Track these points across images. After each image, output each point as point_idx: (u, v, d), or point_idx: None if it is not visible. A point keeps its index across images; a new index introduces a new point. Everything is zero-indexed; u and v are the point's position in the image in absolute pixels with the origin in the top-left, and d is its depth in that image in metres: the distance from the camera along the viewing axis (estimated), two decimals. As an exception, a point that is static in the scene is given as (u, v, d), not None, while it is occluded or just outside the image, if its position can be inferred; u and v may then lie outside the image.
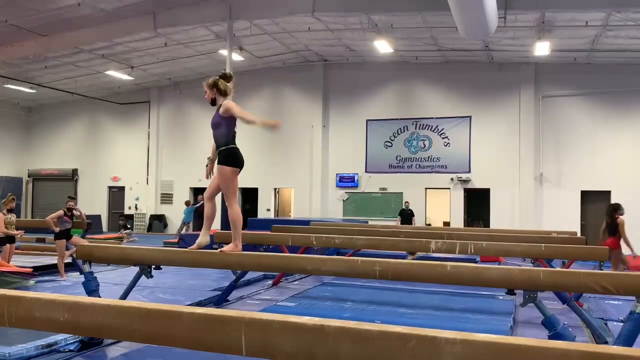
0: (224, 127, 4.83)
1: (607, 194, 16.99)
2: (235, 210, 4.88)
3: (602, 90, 17.06)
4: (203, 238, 5.06)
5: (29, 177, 25.18)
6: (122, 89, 22.50)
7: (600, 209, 17.12)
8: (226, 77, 5.02)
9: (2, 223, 8.78)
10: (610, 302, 7.76)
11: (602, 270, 6.33)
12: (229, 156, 4.81)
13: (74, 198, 9.89)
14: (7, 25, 15.49)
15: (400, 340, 2.12)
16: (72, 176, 24.18)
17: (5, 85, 20.81)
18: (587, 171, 17.10)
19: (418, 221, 18.08)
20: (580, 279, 4.21)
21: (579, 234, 13.26)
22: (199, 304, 7.15)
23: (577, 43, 15.56)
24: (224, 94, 4.92)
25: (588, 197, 17.24)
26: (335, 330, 2.22)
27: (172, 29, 15.99)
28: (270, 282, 9.17)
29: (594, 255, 6.98)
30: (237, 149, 4.90)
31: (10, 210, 9.06)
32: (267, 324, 2.35)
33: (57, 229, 9.23)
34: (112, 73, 19.96)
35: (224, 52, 16.60)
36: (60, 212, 9.29)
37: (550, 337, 4.57)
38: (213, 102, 4.99)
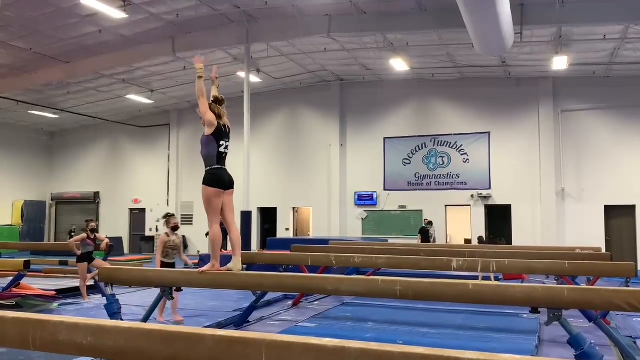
0: (204, 148, 4.89)
1: (632, 208, 16.69)
2: (214, 230, 4.89)
3: (622, 104, 16.85)
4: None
5: (52, 200, 25.61)
6: (143, 113, 22.88)
7: (624, 224, 16.86)
8: (218, 101, 5.05)
9: (161, 246, 7.40)
10: (639, 319, 7.57)
11: (628, 287, 6.19)
12: (206, 177, 4.84)
13: (92, 220, 10.01)
14: (31, 53, 15.94)
15: (422, 362, 2.09)
16: (94, 199, 24.56)
17: (30, 112, 21.33)
18: (610, 185, 16.81)
19: (438, 238, 17.93)
20: (607, 296, 4.13)
21: (603, 250, 13.00)
22: (220, 325, 7.14)
23: (596, 56, 15.44)
24: (218, 117, 4.94)
25: (612, 212, 16.92)
26: (356, 352, 2.20)
27: (191, 53, 16.23)
28: (290, 302, 9.13)
29: (620, 272, 6.83)
30: (217, 169, 4.84)
31: (174, 229, 7.64)
32: (288, 346, 2.34)
33: (78, 252, 9.32)
34: (132, 97, 20.33)
35: (241, 74, 16.82)
36: (84, 235, 9.40)
37: (577, 357, 4.47)
38: None
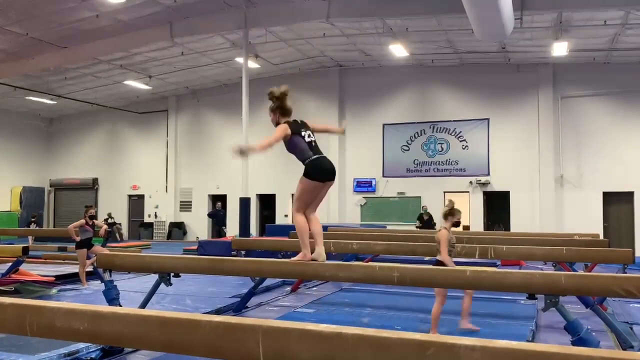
0: (292, 149, 4.65)
1: (630, 194, 16.71)
2: (296, 220, 4.64)
3: (622, 90, 16.78)
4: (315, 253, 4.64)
5: (50, 186, 25.58)
6: (141, 99, 22.78)
7: (623, 210, 16.89)
8: (286, 111, 4.74)
9: (445, 244, 5.77)
10: (636, 305, 7.61)
11: (625, 273, 6.21)
12: (306, 169, 4.58)
13: (91, 206, 9.99)
14: (28, 38, 15.80)
15: (419, 348, 2.09)
16: (92, 185, 24.53)
17: (27, 97, 21.22)
18: (609, 172, 16.81)
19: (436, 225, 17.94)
20: (604, 283, 4.13)
21: (601, 236, 13.03)
22: (218, 311, 7.17)
23: (596, 42, 15.35)
24: (284, 114, 4.71)
25: (610, 199, 16.95)
26: (353, 338, 2.20)
27: (189, 38, 16.16)
28: (289, 288, 9.16)
29: (617, 258, 6.85)
30: (315, 159, 4.57)
31: (455, 225, 6.15)
32: (285, 332, 2.34)
33: (77, 238, 9.32)
34: (130, 83, 20.22)
35: (240, 59, 16.72)
36: (82, 221, 9.39)
37: (573, 343, 4.49)
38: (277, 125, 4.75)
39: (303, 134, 4.63)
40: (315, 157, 4.58)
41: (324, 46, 17.53)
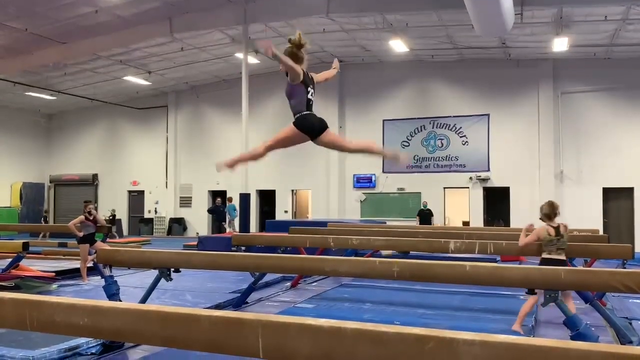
0: (293, 97, 4.65)
1: (630, 190, 16.72)
2: (257, 150, 4.83)
3: (622, 86, 16.76)
4: None
5: (50, 182, 25.58)
6: (140, 94, 22.75)
7: (622, 206, 16.90)
8: (299, 45, 4.59)
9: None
10: (635, 300, 7.62)
11: (625, 268, 6.22)
12: (297, 121, 4.62)
13: (90, 201, 9.98)
14: (27, 34, 15.77)
15: (418, 342, 2.09)
16: (92, 181, 24.53)
17: (27, 93, 21.19)
18: (609, 168, 16.80)
19: (436, 221, 17.97)
20: (603, 278, 4.13)
21: (601, 232, 13.02)
22: (218, 306, 7.19)
23: (596, 38, 15.32)
24: (300, 61, 4.56)
25: (610, 194, 16.95)
26: (352, 332, 2.20)
27: (188, 34, 16.13)
28: (289, 283, 9.18)
29: (616, 254, 6.86)
30: (306, 115, 4.62)
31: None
32: (285, 327, 2.35)
33: (80, 234, 9.33)
34: (130, 78, 20.19)
35: (239, 55, 16.69)
36: (82, 217, 9.41)
37: (572, 338, 4.50)
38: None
39: (308, 89, 4.64)
40: (307, 112, 4.66)
41: (324, 42, 17.48)
